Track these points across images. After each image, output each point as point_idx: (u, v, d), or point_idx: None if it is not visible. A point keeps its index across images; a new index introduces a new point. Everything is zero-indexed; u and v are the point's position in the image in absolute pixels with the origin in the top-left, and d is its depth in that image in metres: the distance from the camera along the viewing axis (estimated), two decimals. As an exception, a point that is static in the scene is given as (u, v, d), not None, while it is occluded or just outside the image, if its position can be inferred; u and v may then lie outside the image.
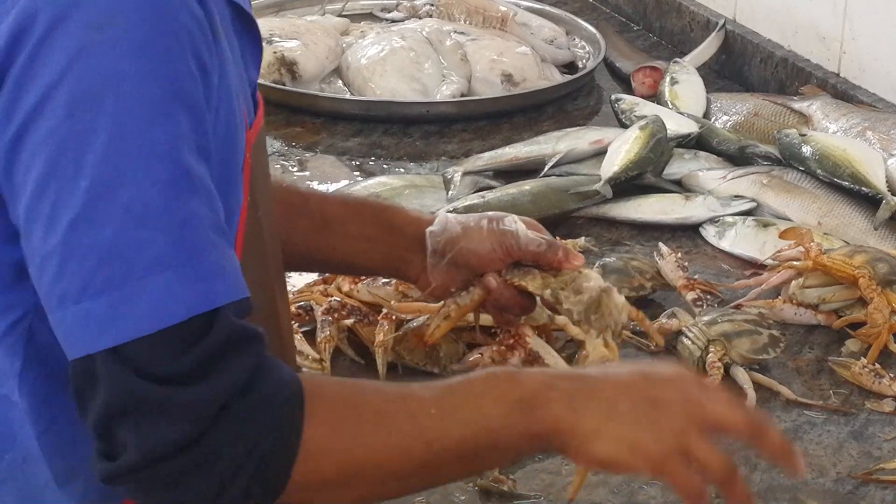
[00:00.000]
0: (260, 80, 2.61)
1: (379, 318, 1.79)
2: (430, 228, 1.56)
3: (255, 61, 1.31)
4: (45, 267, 1.07)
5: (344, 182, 2.39)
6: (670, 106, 2.61)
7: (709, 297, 1.97)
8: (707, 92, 2.68)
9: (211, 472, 1.08)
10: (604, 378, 1.21)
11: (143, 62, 1.06)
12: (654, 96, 2.69)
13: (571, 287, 1.58)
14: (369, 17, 3.11)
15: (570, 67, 2.91)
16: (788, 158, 2.33)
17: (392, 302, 1.79)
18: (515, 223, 1.58)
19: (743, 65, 2.86)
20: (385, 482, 1.16)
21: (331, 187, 2.35)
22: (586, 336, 1.59)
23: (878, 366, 1.81)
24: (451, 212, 2.17)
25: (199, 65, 1.10)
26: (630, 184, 2.30)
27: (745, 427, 1.20)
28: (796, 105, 2.55)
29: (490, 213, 1.60)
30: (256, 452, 1.09)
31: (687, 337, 1.83)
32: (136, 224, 1.05)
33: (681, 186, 2.34)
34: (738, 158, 2.42)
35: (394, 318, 1.79)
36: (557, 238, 2.14)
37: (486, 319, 1.70)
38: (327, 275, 1.90)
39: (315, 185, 2.39)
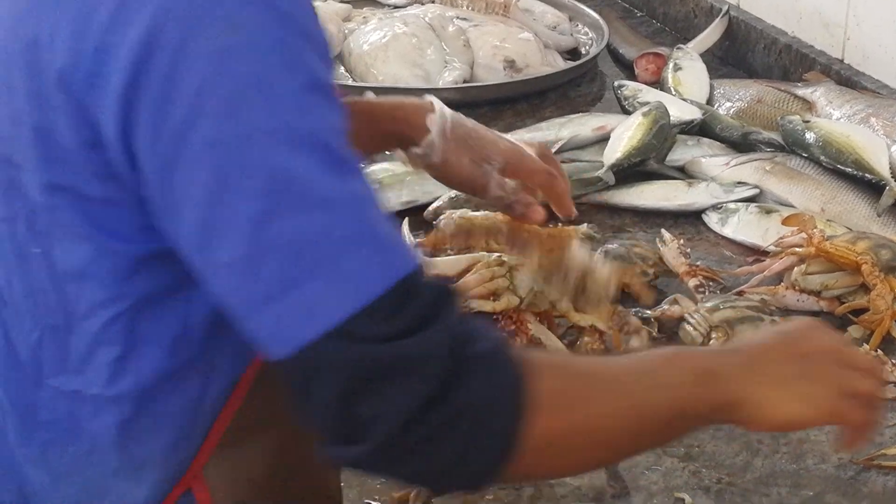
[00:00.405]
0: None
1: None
2: (412, 150, 1.58)
3: (330, 64, 1.33)
4: (236, 275, 1.06)
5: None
6: (673, 92, 2.61)
7: (711, 283, 1.97)
8: (710, 78, 2.67)
9: (459, 424, 1.07)
10: (755, 349, 1.25)
11: (282, 57, 1.06)
12: (658, 83, 2.69)
13: (560, 271, 1.60)
14: (371, 2, 3.11)
15: (573, 54, 2.91)
16: (792, 145, 2.33)
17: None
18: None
19: (746, 51, 2.86)
20: (601, 449, 1.16)
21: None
22: (580, 316, 1.63)
23: (880, 352, 1.81)
24: (453, 198, 2.17)
25: (322, 57, 1.11)
26: (633, 170, 2.30)
27: (869, 363, 1.32)
28: (800, 91, 2.54)
29: (482, 134, 1.62)
30: (495, 404, 1.08)
31: (689, 323, 1.83)
32: (317, 210, 1.06)
33: (684, 173, 2.34)
34: (741, 145, 2.41)
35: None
36: (559, 224, 2.15)
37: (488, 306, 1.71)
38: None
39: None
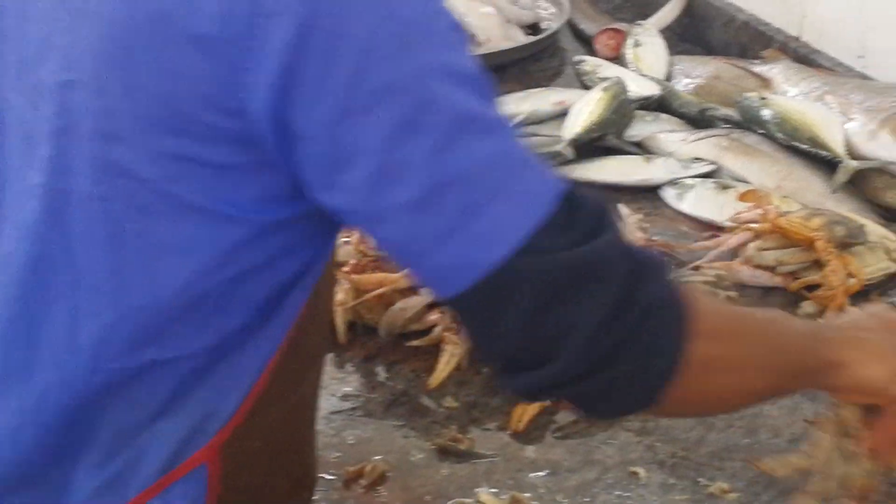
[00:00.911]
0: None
1: (338, 277, 1.79)
2: None
3: None
4: (418, 211, 1.07)
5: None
6: (633, 68, 2.61)
7: (668, 258, 1.98)
8: (669, 55, 2.68)
9: (646, 328, 1.09)
10: (848, 325, 1.34)
11: (434, 3, 1.09)
12: (617, 58, 2.69)
13: None
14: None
15: (533, 28, 2.91)
16: (748, 121, 2.34)
17: (352, 276, 1.79)
18: None
19: (705, 28, 2.87)
20: (747, 382, 1.21)
21: None
22: None
23: (833, 328, 1.83)
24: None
25: None
26: (592, 145, 2.31)
27: None
28: (757, 69, 2.56)
29: None
30: (672, 305, 1.11)
31: (645, 298, 1.84)
32: (487, 137, 1.07)
33: (642, 148, 2.35)
34: (698, 121, 2.43)
35: (353, 277, 1.79)
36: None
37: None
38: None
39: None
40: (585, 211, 1.10)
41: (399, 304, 1.77)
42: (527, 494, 1.53)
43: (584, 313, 1.07)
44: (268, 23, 1.04)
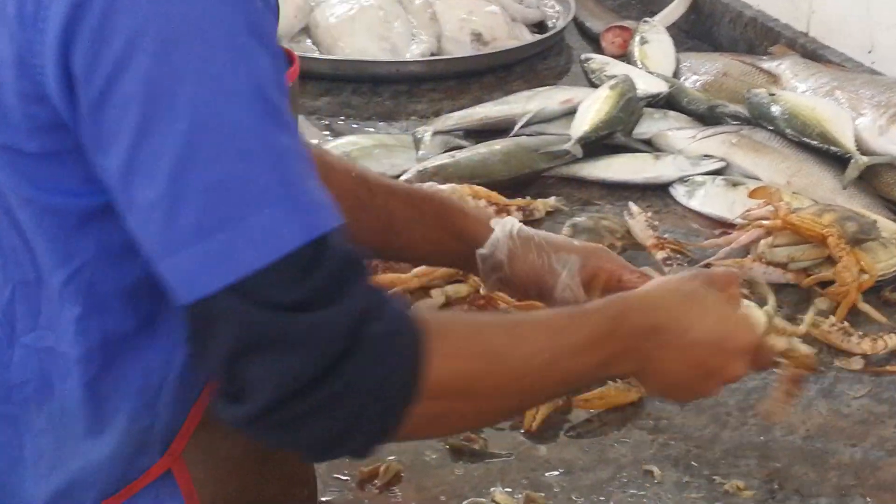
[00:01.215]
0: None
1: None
2: (479, 251, 1.55)
3: (275, 13, 1.32)
4: (152, 215, 1.06)
5: (314, 142, 2.38)
6: (640, 66, 2.61)
7: (678, 256, 1.98)
8: (677, 52, 2.68)
9: (344, 407, 1.07)
10: (659, 290, 1.30)
11: (220, 2, 1.06)
12: (624, 56, 2.69)
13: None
14: (338, -25, 3.09)
15: (539, 27, 2.91)
16: (757, 118, 2.33)
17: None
18: (566, 265, 1.56)
19: (712, 25, 2.86)
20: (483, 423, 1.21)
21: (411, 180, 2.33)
22: None
23: (846, 324, 1.82)
24: (421, 171, 2.16)
25: (266, 4, 1.11)
26: (600, 143, 2.30)
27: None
28: (765, 65, 2.55)
29: (552, 237, 1.58)
30: (388, 383, 1.08)
31: (657, 296, 1.83)
32: (239, 161, 1.05)
33: (650, 146, 2.35)
34: (707, 118, 2.42)
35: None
36: (528, 197, 2.15)
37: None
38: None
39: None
40: (325, 268, 1.06)
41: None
42: (541, 494, 1.52)
43: (272, 377, 1.05)
44: (50, 4, 1.05)
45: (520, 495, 1.52)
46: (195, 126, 1.04)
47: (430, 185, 1.99)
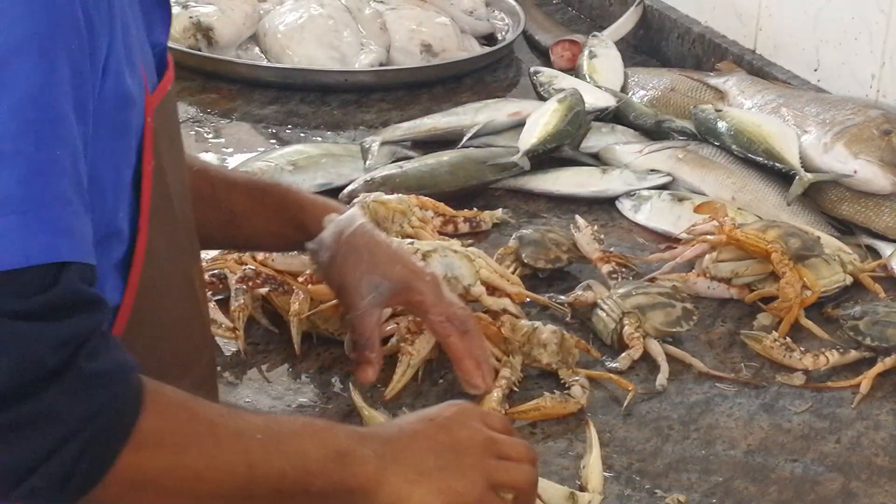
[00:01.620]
0: (175, 45, 2.60)
1: (294, 287, 1.78)
2: (307, 244, 1.59)
3: (163, 24, 1.28)
4: None
5: (260, 149, 2.37)
6: (588, 79, 2.62)
7: (624, 269, 1.98)
8: (625, 66, 2.69)
9: (46, 430, 1.03)
10: (401, 435, 1.24)
11: (25, 4, 1.02)
12: (573, 69, 2.70)
13: (535, 342, 1.73)
14: (288, -16, 3.08)
15: (489, 39, 2.91)
16: (704, 133, 2.35)
17: (308, 286, 1.77)
18: (373, 290, 1.58)
19: (661, 40, 2.88)
20: (203, 498, 1.13)
21: (246, 155, 2.33)
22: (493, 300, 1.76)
23: (788, 340, 1.83)
24: (368, 181, 2.16)
25: (88, 23, 1.07)
26: (548, 156, 2.30)
27: (525, 453, 1.31)
28: (712, 81, 2.57)
29: (383, 248, 1.60)
30: (93, 421, 1.05)
31: (602, 309, 1.84)
32: None
33: (598, 160, 2.35)
34: (654, 133, 2.43)
35: (309, 288, 1.77)
36: (475, 209, 2.15)
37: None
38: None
39: (230, 152, 2.37)
40: (57, 293, 1.03)
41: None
42: None
43: None
44: None
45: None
46: None
47: (375, 195, 1.99)
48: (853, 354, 1.82)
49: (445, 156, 2.28)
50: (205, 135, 2.43)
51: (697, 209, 2.06)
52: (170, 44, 1.33)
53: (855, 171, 2.17)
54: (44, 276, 1.03)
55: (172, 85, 1.29)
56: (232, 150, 2.37)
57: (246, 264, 1.83)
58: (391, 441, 1.23)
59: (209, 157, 2.29)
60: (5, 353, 1.02)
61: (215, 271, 1.86)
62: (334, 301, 1.70)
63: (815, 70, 2.55)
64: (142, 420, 1.07)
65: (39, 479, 1.05)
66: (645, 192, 2.22)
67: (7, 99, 1.02)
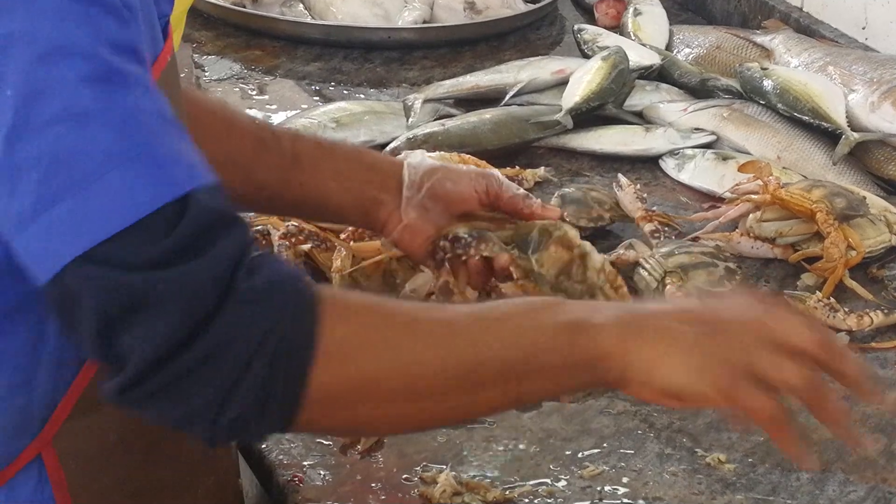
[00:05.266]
0: (219, 2, 2.60)
1: (336, 243, 1.78)
2: (408, 160, 1.51)
3: None
4: None
5: (303, 107, 2.37)
6: (633, 37, 2.60)
7: (666, 228, 1.97)
8: (670, 24, 2.67)
9: (222, 365, 1.00)
10: (657, 308, 1.12)
11: None
12: (617, 27, 2.68)
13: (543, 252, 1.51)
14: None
15: (533, -4, 2.89)
16: (749, 92, 2.33)
17: (351, 243, 1.77)
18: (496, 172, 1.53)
19: (706, -3, 2.85)
20: (416, 400, 1.06)
21: (290, 112, 2.33)
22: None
23: (832, 300, 1.82)
24: (410, 138, 2.16)
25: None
26: (591, 114, 2.29)
27: (820, 348, 1.10)
28: (758, 39, 2.54)
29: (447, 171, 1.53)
30: (270, 341, 1.01)
31: (644, 268, 1.84)
32: (76, 125, 1.00)
33: (641, 118, 2.34)
34: (699, 91, 2.41)
35: (351, 245, 1.78)
36: (517, 167, 2.15)
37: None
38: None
39: (274, 109, 2.37)
40: (192, 224, 1.00)
41: (408, 286, 1.74)
42: (487, 480, 1.49)
43: (142, 341, 1.00)
44: None
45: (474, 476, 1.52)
46: (23, 93, 1.00)
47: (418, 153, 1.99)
48: (897, 315, 1.81)
49: (488, 114, 2.27)
50: (249, 91, 2.44)
51: (742, 168, 2.05)
52: (215, 0, 1.32)
53: (902, 131, 2.15)
54: (172, 215, 1.01)
55: (173, 56, 1.27)
56: (276, 107, 2.38)
57: (290, 221, 1.84)
58: (637, 309, 1.11)
59: (254, 115, 2.30)
60: (166, 305, 1.00)
61: (259, 227, 1.87)
62: (378, 257, 1.70)
63: (863, 28, 2.52)
64: (324, 328, 1.02)
65: (233, 410, 1.01)
66: (689, 151, 2.20)
67: (67, 66, 1.01)
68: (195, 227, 1.01)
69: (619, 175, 2.08)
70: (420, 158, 1.52)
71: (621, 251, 1.87)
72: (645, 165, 2.22)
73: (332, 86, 2.48)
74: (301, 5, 2.74)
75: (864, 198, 1.99)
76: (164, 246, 1.00)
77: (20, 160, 1.00)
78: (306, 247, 1.81)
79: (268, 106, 2.39)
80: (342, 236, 1.79)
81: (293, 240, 1.81)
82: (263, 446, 1.51)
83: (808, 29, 2.59)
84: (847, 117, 2.20)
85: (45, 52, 1.01)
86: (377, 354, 1.04)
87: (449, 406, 1.08)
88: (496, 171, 1.57)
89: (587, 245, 1.40)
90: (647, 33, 2.61)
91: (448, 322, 1.07)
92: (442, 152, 2.04)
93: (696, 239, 1.95)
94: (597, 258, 1.42)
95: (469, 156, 2.08)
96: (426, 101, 2.33)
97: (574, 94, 2.30)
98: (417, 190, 1.50)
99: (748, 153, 2.20)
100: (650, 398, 1.10)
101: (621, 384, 1.09)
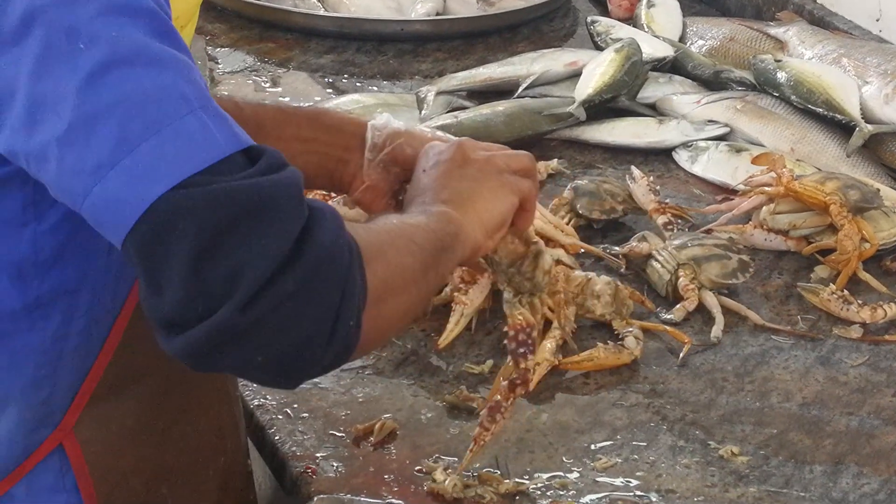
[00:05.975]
0: (234, -6, 2.60)
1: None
2: (372, 122, 1.51)
3: None
4: (69, 147, 1.01)
5: (317, 99, 2.37)
6: (646, 29, 2.59)
7: (679, 221, 1.97)
8: (683, 16, 2.66)
9: (332, 274, 1.05)
10: (444, 179, 1.34)
11: None
12: (631, 19, 2.67)
13: (589, 293, 1.70)
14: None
15: (546, -12, 2.89)
16: (763, 84, 2.32)
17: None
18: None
19: (720, -11, 2.85)
20: (414, 284, 1.19)
21: (303, 105, 2.33)
22: (621, 326, 1.71)
23: (846, 292, 1.82)
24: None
25: None
26: (604, 107, 2.29)
27: (529, 164, 1.40)
28: (772, 31, 2.53)
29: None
30: (354, 248, 1.08)
31: (657, 260, 1.83)
32: (152, 70, 1.02)
33: (655, 110, 2.34)
34: (712, 83, 2.41)
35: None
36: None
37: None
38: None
39: (287, 101, 2.37)
40: (266, 156, 1.05)
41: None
42: (496, 472, 1.49)
43: (257, 251, 1.01)
44: None
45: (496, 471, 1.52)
46: (92, 45, 1.01)
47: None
48: (911, 308, 1.80)
49: (501, 106, 2.27)
50: (262, 83, 2.44)
51: (755, 160, 2.05)
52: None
53: (916, 123, 2.14)
54: (243, 162, 1.04)
55: None
56: (289, 100, 2.38)
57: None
58: (448, 191, 1.30)
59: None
60: (281, 202, 1.03)
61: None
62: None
63: (877, 20, 2.52)
64: (370, 274, 1.11)
65: (344, 324, 1.07)
66: (702, 143, 2.20)
67: (135, 23, 1.03)
68: (273, 161, 1.05)
69: (632, 167, 2.08)
70: (385, 121, 1.52)
71: (634, 243, 1.87)
72: (658, 157, 2.21)
73: (346, 78, 2.48)
74: (314, -3, 2.74)
75: (878, 190, 1.98)
76: (255, 170, 1.04)
77: (96, 109, 1.01)
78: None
79: (281, 98, 2.39)
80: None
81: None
82: (276, 438, 1.51)
83: (822, 21, 2.58)
84: (861, 109, 2.20)
85: (113, 6, 1.03)
86: (393, 258, 1.17)
87: (427, 284, 1.24)
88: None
89: (542, 245, 1.46)
90: (661, 25, 2.61)
91: (410, 236, 1.22)
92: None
93: (709, 231, 1.94)
94: (547, 260, 1.47)
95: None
96: (439, 93, 2.33)
97: (587, 86, 2.29)
98: (379, 151, 1.51)
99: (762, 145, 2.20)
100: (489, 244, 1.33)
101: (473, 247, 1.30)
